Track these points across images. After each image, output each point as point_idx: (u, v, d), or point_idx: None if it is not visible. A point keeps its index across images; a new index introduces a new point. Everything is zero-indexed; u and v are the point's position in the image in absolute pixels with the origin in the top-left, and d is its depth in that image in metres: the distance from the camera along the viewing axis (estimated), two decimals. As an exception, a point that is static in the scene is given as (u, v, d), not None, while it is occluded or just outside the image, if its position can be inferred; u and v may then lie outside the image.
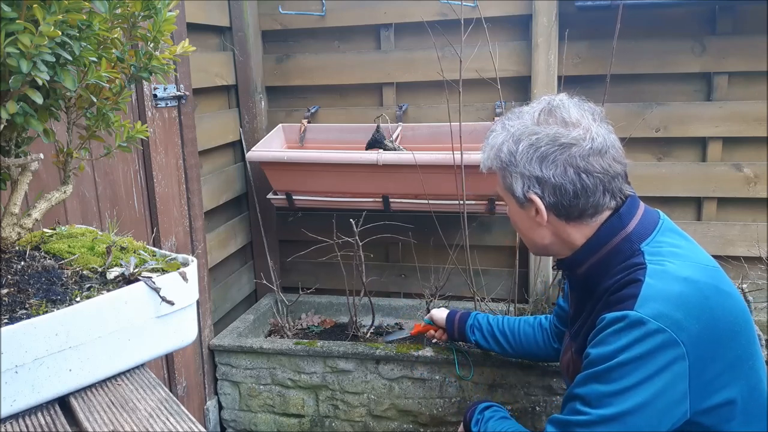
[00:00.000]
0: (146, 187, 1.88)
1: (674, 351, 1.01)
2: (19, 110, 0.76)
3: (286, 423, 2.21)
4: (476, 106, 2.40)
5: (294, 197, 2.36)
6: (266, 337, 2.41)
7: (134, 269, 0.88)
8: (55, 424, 0.73)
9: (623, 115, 2.23)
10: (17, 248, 0.91)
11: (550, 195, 1.15)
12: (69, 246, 0.94)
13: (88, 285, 0.85)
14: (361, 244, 2.10)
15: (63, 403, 0.78)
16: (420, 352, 2.01)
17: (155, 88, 1.85)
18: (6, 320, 0.73)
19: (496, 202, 2.19)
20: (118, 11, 0.87)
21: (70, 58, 0.78)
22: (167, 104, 1.91)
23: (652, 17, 2.19)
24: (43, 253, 0.92)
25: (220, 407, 2.28)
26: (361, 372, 2.09)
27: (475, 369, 1.96)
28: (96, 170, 1.67)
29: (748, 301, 1.84)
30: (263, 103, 2.57)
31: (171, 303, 0.86)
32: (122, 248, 0.97)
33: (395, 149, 2.25)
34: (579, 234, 1.19)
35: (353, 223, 2.06)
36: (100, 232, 1.04)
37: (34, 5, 0.70)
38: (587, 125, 1.14)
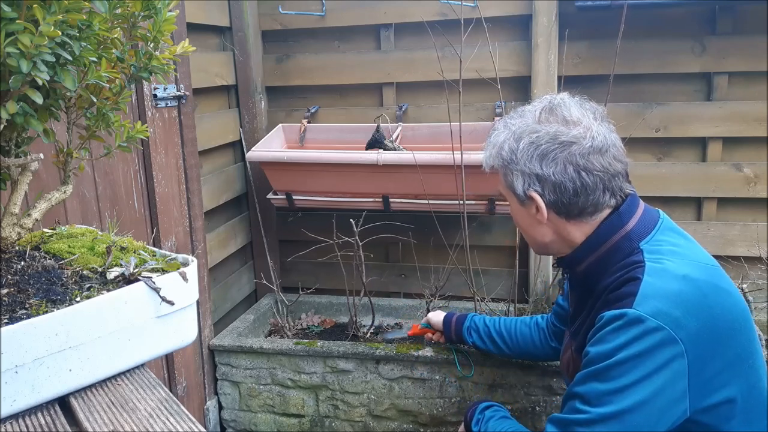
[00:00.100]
0: (146, 187, 1.88)
1: (673, 349, 1.01)
2: (19, 110, 0.76)
3: (286, 423, 2.21)
4: (476, 106, 2.40)
5: (294, 197, 2.36)
6: (266, 337, 2.41)
7: (134, 269, 0.88)
8: (55, 424, 0.73)
9: (623, 115, 2.23)
10: (17, 248, 0.91)
11: (550, 193, 1.16)
12: (69, 246, 0.94)
13: (88, 285, 0.85)
14: (361, 244, 2.10)
15: (63, 403, 0.78)
16: (420, 352, 2.01)
17: (155, 88, 1.85)
18: (6, 320, 0.73)
19: (497, 202, 2.19)
20: (118, 11, 0.87)
21: (70, 58, 0.78)
22: (167, 104, 1.91)
23: (652, 17, 2.19)
24: (43, 253, 0.92)
25: (220, 407, 2.28)
26: (361, 372, 2.09)
27: (475, 369, 1.96)
28: (96, 170, 1.67)
29: (748, 301, 1.83)
30: (263, 103, 2.57)
31: (171, 303, 0.86)
32: (122, 248, 0.97)
33: (395, 149, 2.25)
34: (579, 232, 1.19)
35: (353, 223, 2.06)
36: (100, 232, 1.04)
37: (34, 5, 0.70)
38: (588, 124, 1.14)
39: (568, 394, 1.13)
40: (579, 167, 1.13)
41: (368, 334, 2.26)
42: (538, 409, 1.94)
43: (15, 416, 0.74)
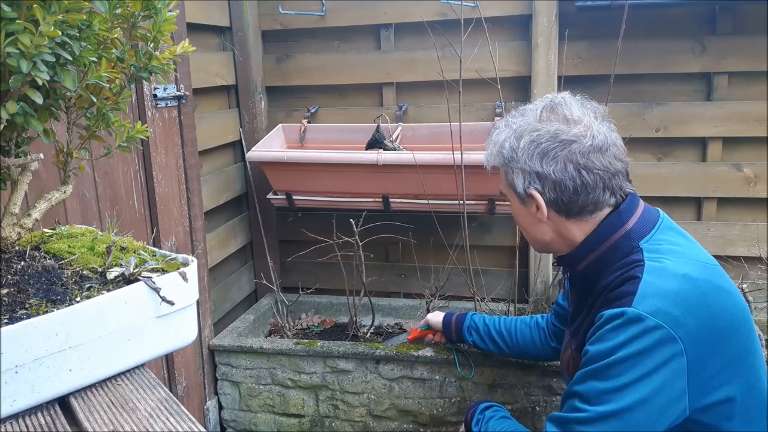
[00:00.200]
0: (146, 187, 1.88)
1: (672, 347, 1.02)
2: (19, 110, 0.76)
3: (286, 423, 2.21)
4: (476, 106, 2.40)
5: (294, 197, 2.36)
6: (266, 337, 2.41)
7: (134, 269, 0.88)
8: (55, 424, 0.73)
9: (623, 114, 2.23)
10: (17, 248, 0.91)
11: (551, 191, 1.16)
12: (69, 246, 0.94)
13: (88, 285, 0.85)
14: (361, 244, 2.10)
15: (63, 403, 0.78)
16: (420, 352, 2.01)
17: (155, 88, 1.85)
18: (6, 320, 0.73)
19: (497, 202, 2.19)
20: (118, 11, 0.87)
21: (70, 58, 0.78)
22: (167, 104, 1.91)
23: (652, 17, 2.19)
24: (43, 253, 0.92)
25: (220, 407, 2.28)
26: (361, 372, 2.09)
27: (476, 369, 1.96)
28: (96, 170, 1.67)
29: (748, 301, 1.83)
30: (263, 103, 2.57)
31: (171, 303, 0.86)
32: (122, 248, 0.97)
33: (395, 149, 2.25)
34: (579, 231, 1.20)
35: (353, 223, 2.06)
36: (100, 232, 1.04)
37: (34, 5, 0.70)
38: (588, 123, 1.15)
39: (567, 393, 1.13)
40: (579, 166, 1.13)
41: (368, 334, 2.26)
42: (538, 409, 1.94)
43: (15, 416, 0.74)
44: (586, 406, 1.06)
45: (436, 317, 1.86)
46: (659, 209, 1.23)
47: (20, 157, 0.89)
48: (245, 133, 2.53)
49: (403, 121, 2.45)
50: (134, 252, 0.97)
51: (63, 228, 1.06)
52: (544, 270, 2.38)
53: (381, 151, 2.21)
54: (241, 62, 2.45)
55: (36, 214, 0.92)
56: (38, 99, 0.76)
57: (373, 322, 2.28)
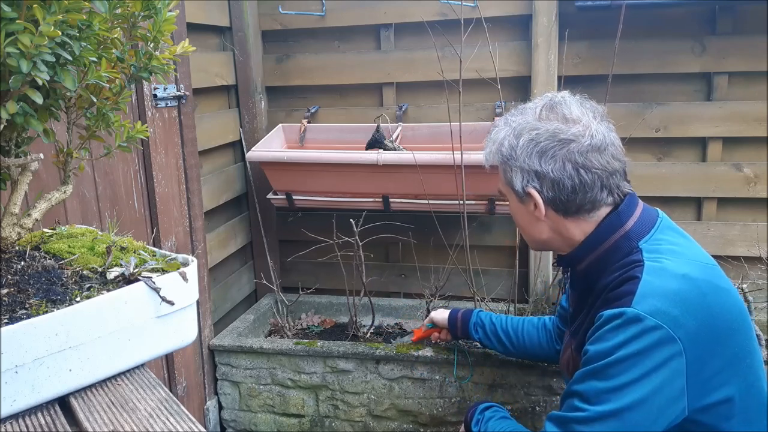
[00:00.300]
0: (146, 187, 1.88)
1: (671, 347, 1.02)
2: (19, 110, 0.76)
3: (286, 423, 2.21)
4: (476, 106, 2.40)
5: (294, 197, 2.36)
6: (266, 337, 2.41)
7: (134, 269, 0.88)
8: (55, 424, 0.73)
9: (623, 114, 2.23)
10: (17, 248, 0.91)
11: (549, 189, 1.17)
12: (69, 246, 0.94)
13: (88, 285, 0.85)
14: (361, 244, 2.10)
15: (63, 403, 0.78)
16: (420, 352, 2.01)
17: (155, 88, 1.85)
18: (6, 320, 0.73)
19: (497, 202, 2.19)
20: (118, 11, 0.87)
21: (70, 58, 0.78)
22: (167, 104, 1.91)
23: (652, 17, 2.19)
24: (43, 253, 0.92)
25: (220, 407, 2.28)
26: (361, 372, 2.09)
27: (475, 369, 1.96)
28: (96, 170, 1.67)
29: (748, 301, 1.84)
30: (263, 103, 2.57)
31: (171, 303, 0.86)
32: (122, 248, 0.97)
33: (395, 149, 2.25)
34: (577, 230, 1.20)
35: (353, 223, 2.06)
36: (100, 232, 1.04)
37: (34, 5, 0.70)
38: (587, 122, 1.15)
39: (567, 392, 1.13)
40: (577, 165, 1.13)
41: (368, 334, 2.26)
42: (538, 409, 1.94)
43: (15, 416, 0.74)
44: (585, 406, 1.06)
45: (441, 314, 1.86)
46: (658, 209, 1.23)
47: (20, 157, 0.89)
48: (245, 133, 2.53)
49: (403, 121, 2.45)
50: (134, 252, 0.97)
51: (63, 228, 1.06)
52: (544, 270, 2.38)
53: (381, 151, 2.21)
54: (241, 62, 2.45)
55: (36, 214, 0.92)
56: (38, 99, 0.76)
57: (373, 322, 2.28)
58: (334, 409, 2.15)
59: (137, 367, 0.86)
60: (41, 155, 0.91)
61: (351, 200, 2.32)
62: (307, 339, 2.26)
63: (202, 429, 0.71)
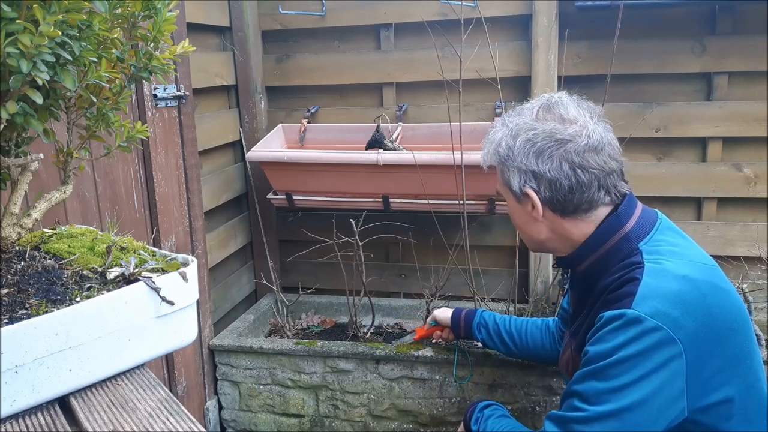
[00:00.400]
0: (146, 187, 1.88)
1: (671, 349, 1.02)
2: (19, 110, 0.76)
3: (286, 423, 2.21)
4: (476, 106, 2.40)
5: (294, 197, 2.36)
6: (266, 337, 2.41)
7: (134, 269, 0.88)
8: (55, 424, 0.73)
9: (623, 115, 2.23)
10: (17, 248, 0.91)
11: (546, 189, 1.17)
12: (69, 246, 0.94)
13: (88, 285, 0.85)
14: (361, 244, 2.10)
15: (63, 403, 0.78)
16: (420, 352, 2.01)
17: (155, 88, 1.85)
18: (6, 320, 0.73)
19: (496, 202, 2.19)
20: (118, 11, 0.87)
21: (70, 58, 0.78)
22: (167, 104, 1.91)
23: (652, 17, 2.19)
24: (43, 253, 0.92)
25: (220, 407, 2.28)
26: (361, 372, 2.09)
27: (475, 369, 1.96)
28: (96, 170, 1.67)
29: (748, 301, 1.84)
30: (263, 103, 2.57)
31: (171, 303, 0.86)
32: (122, 248, 0.97)
33: (395, 149, 2.25)
34: (575, 230, 1.20)
35: (353, 223, 2.06)
36: (100, 232, 1.04)
37: (34, 5, 0.70)
38: (584, 122, 1.15)
39: (566, 393, 1.13)
40: (574, 164, 1.14)
41: (368, 334, 2.26)
42: (538, 409, 1.94)
43: (15, 416, 0.74)
44: (585, 406, 1.06)
45: (444, 313, 1.85)
46: (656, 210, 1.24)
47: (20, 157, 0.89)
48: (245, 133, 2.53)
49: (403, 121, 2.45)
50: (134, 252, 0.97)
51: (63, 228, 1.06)
52: (544, 270, 2.38)
53: (381, 151, 2.21)
54: (241, 62, 2.45)
55: (36, 214, 0.92)
56: (38, 99, 0.76)
57: (373, 322, 2.28)
58: (334, 409, 2.15)
59: (137, 367, 0.86)
60: (41, 155, 0.91)
61: (351, 200, 2.32)
62: (307, 339, 2.26)
63: (202, 429, 0.71)
